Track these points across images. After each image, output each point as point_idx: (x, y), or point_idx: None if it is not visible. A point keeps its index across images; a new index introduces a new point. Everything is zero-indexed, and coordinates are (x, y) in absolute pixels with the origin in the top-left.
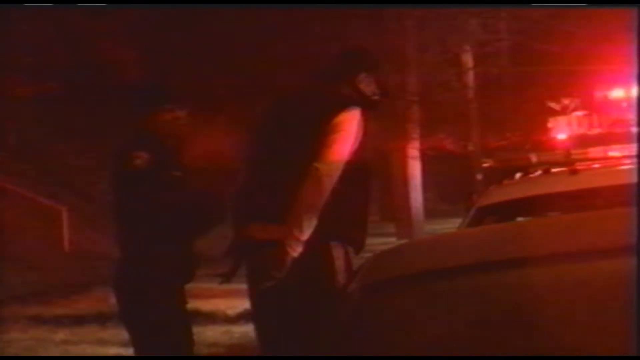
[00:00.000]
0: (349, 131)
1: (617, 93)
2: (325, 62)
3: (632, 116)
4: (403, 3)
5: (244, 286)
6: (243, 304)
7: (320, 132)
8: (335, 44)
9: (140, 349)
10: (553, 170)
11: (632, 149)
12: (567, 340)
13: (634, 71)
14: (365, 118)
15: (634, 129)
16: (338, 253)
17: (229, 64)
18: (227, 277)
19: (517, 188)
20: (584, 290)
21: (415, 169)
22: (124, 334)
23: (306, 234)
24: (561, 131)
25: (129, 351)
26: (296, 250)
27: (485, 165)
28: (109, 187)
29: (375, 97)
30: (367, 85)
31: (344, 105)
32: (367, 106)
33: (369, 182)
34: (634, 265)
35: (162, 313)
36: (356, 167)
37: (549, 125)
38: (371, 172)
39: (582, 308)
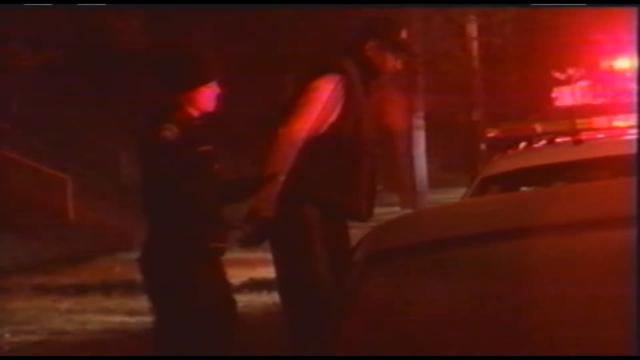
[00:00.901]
0: (317, 97)
1: (621, 63)
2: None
3: (636, 86)
4: (406, 3)
5: (246, 255)
6: (247, 273)
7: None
8: (340, 17)
9: (166, 324)
10: (557, 140)
11: (636, 119)
12: (570, 310)
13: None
14: (367, 87)
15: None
16: (312, 219)
17: (236, 35)
18: (253, 242)
19: (521, 158)
20: (587, 259)
21: (419, 138)
22: (128, 303)
23: (269, 194)
24: (565, 101)
25: (134, 319)
26: (265, 210)
27: (490, 135)
28: (136, 162)
29: (390, 65)
30: (377, 53)
31: (321, 72)
32: (371, 74)
33: (362, 151)
34: (637, 235)
35: (188, 285)
36: (340, 134)
37: (553, 95)
38: (366, 141)
39: (586, 277)
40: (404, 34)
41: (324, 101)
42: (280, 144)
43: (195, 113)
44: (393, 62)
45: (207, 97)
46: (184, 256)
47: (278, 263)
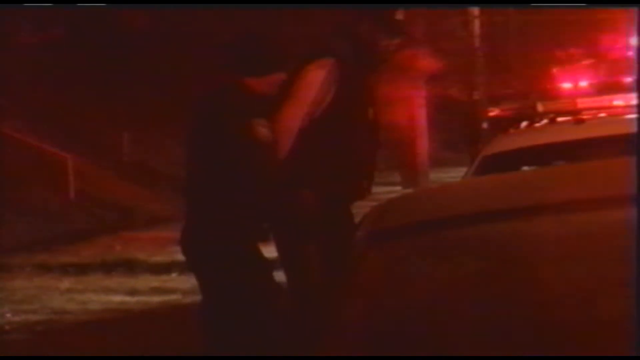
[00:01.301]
0: (311, 82)
1: (623, 42)
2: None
3: (637, 66)
4: (406, 3)
5: None
6: None
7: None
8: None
9: (214, 302)
10: (559, 119)
11: (636, 98)
12: (569, 290)
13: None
14: (364, 68)
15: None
16: (308, 204)
17: (237, 9)
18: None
19: (522, 137)
20: (588, 238)
21: (420, 117)
22: (129, 282)
23: (268, 185)
24: (567, 80)
25: (135, 299)
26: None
27: (491, 114)
28: (197, 151)
29: (384, 45)
30: (370, 34)
31: (314, 56)
32: (366, 55)
33: (359, 133)
34: (637, 214)
35: (238, 269)
36: (335, 117)
37: (555, 74)
38: (363, 122)
39: (586, 257)
40: (399, 15)
41: (317, 86)
42: (276, 132)
43: (267, 99)
44: (387, 43)
45: (278, 82)
46: (240, 239)
47: (277, 245)
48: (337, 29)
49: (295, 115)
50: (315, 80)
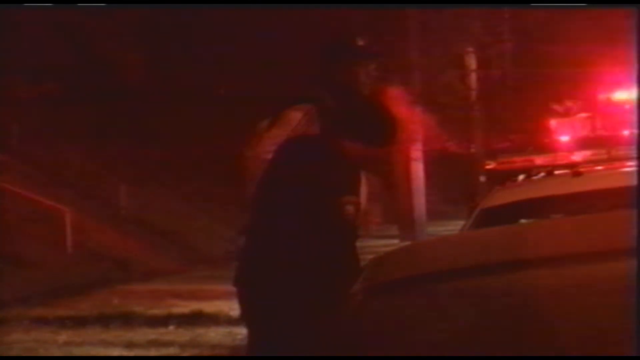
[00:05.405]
0: (285, 122)
1: (620, 95)
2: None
3: (634, 118)
4: (404, 3)
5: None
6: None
7: None
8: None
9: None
10: (556, 172)
11: (634, 151)
12: (568, 343)
13: (636, 73)
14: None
15: (636, 131)
16: None
17: (231, 64)
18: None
19: (520, 190)
20: (586, 292)
21: (418, 170)
22: (127, 335)
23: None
24: (564, 133)
25: (132, 352)
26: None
27: (489, 167)
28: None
29: (364, 76)
30: (346, 73)
31: (292, 102)
32: (353, 95)
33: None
34: (636, 267)
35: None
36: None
37: (552, 127)
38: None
39: (584, 310)
40: (360, 42)
41: (292, 126)
42: (247, 167)
43: None
44: (365, 72)
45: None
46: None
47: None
48: (314, 77)
49: (264, 151)
50: (291, 121)
